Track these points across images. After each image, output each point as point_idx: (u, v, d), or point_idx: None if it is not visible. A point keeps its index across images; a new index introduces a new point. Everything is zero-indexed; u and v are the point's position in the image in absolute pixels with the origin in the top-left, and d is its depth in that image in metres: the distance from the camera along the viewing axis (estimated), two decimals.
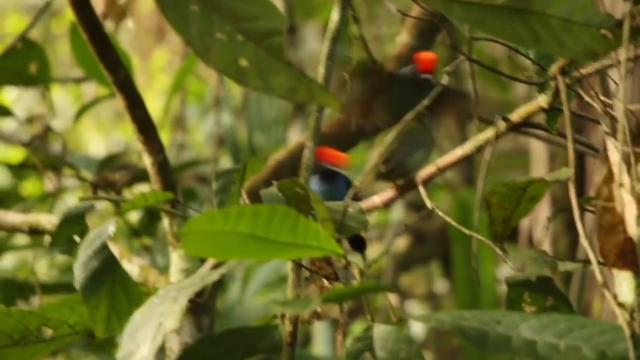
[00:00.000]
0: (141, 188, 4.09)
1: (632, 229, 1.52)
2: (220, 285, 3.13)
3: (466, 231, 1.90)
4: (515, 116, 1.94)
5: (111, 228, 1.83)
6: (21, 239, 4.26)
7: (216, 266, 2.15)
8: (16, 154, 4.92)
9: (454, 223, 1.94)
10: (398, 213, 5.46)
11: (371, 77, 2.37)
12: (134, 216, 3.93)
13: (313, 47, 6.14)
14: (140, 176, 3.77)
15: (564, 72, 1.74)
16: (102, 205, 3.65)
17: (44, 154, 3.91)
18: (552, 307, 1.75)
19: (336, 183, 2.21)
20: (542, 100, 1.89)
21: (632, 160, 1.55)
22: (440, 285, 6.22)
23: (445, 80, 1.98)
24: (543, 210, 4.16)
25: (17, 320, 1.88)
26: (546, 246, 4.02)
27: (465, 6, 1.57)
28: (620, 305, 1.43)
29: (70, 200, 4.37)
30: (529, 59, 1.94)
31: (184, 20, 1.42)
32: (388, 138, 1.77)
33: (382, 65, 2.44)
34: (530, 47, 1.91)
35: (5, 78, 3.66)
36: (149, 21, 6.57)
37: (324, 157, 2.30)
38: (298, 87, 1.43)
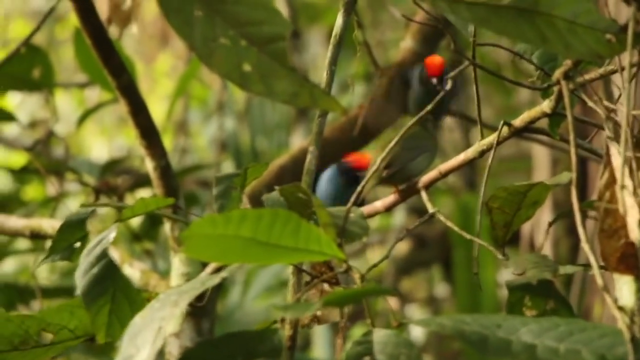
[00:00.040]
0: (143, 193, 4.10)
1: (633, 234, 1.52)
2: (220, 289, 3.13)
3: (467, 236, 1.90)
4: (518, 121, 1.94)
5: (112, 235, 1.83)
6: (22, 244, 4.26)
7: (217, 270, 2.15)
8: (19, 159, 4.93)
9: (455, 228, 1.94)
10: (400, 217, 5.46)
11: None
12: (136, 220, 3.93)
13: (317, 52, 6.15)
14: (143, 181, 3.77)
15: (567, 77, 1.74)
16: (104, 209, 3.65)
17: (47, 159, 3.91)
18: (552, 310, 1.75)
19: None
20: (546, 105, 1.89)
21: (634, 165, 1.55)
22: (441, 290, 6.21)
23: (449, 85, 1.98)
24: (544, 214, 4.16)
25: (17, 325, 1.88)
26: (547, 250, 4.02)
27: (471, 6, 1.57)
28: (621, 309, 1.43)
29: (72, 205, 4.37)
30: (533, 64, 1.94)
31: (188, 25, 1.42)
32: (390, 143, 1.77)
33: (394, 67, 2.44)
34: (536, 47, 1.91)
35: (9, 83, 3.67)
36: (153, 26, 6.58)
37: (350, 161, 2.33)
38: (301, 92, 1.43)
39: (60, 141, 4.14)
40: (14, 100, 5.56)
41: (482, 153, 1.96)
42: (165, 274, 2.89)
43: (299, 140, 4.70)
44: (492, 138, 1.95)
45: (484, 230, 1.91)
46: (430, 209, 1.96)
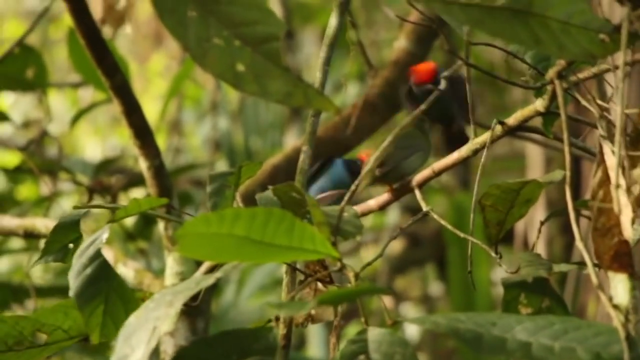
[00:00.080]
0: (137, 192, 4.09)
1: (627, 232, 1.52)
2: (215, 288, 3.13)
3: (461, 234, 1.90)
4: (512, 120, 1.94)
5: (105, 236, 1.83)
6: (16, 243, 4.26)
7: (211, 269, 2.15)
8: (12, 158, 4.92)
9: (449, 226, 1.94)
10: (394, 216, 5.47)
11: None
12: (130, 220, 3.93)
13: (310, 52, 6.15)
14: (136, 180, 3.77)
15: (561, 76, 1.75)
16: (98, 209, 3.65)
17: (40, 158, 3.91)
18: (547, 308, 1.75)
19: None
20: (539, 104, 1.90)
21: (627, 164, 1.56)
22: (436, 288, 6.22)
23: (443, 85, 1.99)
24: (538, 213, 4.17)
25: (11, 325, 1.88)
26: (541, 249, 4.03)
27: (465, 8, 1.57)
28: (615, 307, 1.43)
29: (66, 205, 4.37)
30: (526, 63, 1.95)
31: (182, 25, 1.42)
32: (384, 141, 1.77)
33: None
34: (530, 48, 1.92)
35: (2, 83, 3.66)
36: (147, 26, 6.58)
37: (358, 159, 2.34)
38: (295, 92, 1.43)
39: (54, 141, 4.14)
40: (7, 100, 5.56)
41: (476, 152, 1.96)
42: (159, 273, 2.89)
43: (292, 140, 4.70)
44: (485, 137, 1.95)
45: (478, 229, 1.92)
46: (424, 207, 1.97)
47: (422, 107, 1.87)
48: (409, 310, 6.26)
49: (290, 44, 5.05)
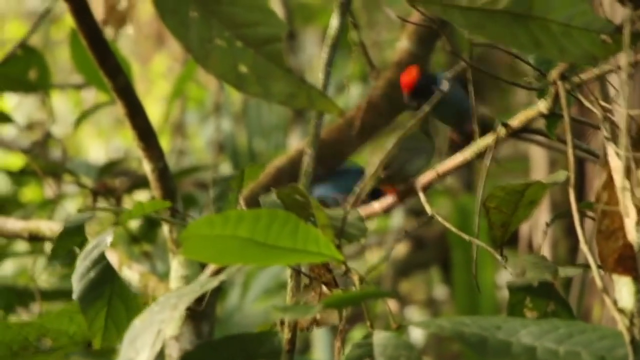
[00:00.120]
0: (141, 194, 4.09)
1: (631, 235, 1.52)
2: (219, 292, 3.13)
3: (466, 237, 1.90)
4: (515, 122, 1.94)
5: (109, 239, 1.83)
6: (21, 246, 4.26)
7: (216, 273, 2.15)
8: (16, 161, 4.93)
9: (453, 229, 1.94)
10: (398, 219, 5.46)
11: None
12: (134, 223, 3.93)
13: (312, 53, 6.15)
14: (140, 182, 3.77)
15: (563, 77, 1.74)
16: (102, 212, 3.65)
17: (44, 161, 3.91)
18: (553, 312, 1.75)
19: None
20: (542, 106, 1.89)
21: (633, 165, 1.55)
22: (440, 291, 6.21)
23: (445, 86, 1.98)
24: (542, 215, 4.16)
25: (16, 331, 1.88)
26: (546, 252, 4.02)
27: (466, 11, 1.57)
28: (620, 310, 1.43)
29: (70, 207, 4.37)
30: (529, 64, 1.94)
31: (184, 26, 1.42)
32: (388, 144, 1.77)
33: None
34: (531, 52, 1.91)
35: (5, 84, 3.66)
36: (149, 27, 6.57)
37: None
38: (298, 93, 1.43)
39: (58, 143, 4.14)
40: (10, 102, 5.56)
41: (480, 154, 1.96)
42: (164, 276, 2.89)
43: (296, 142, 4.70)
44: (489, 139, 1.95)
45: (483, 231, 1.91)
46: (429, 211, 1.96)
47: (426, 108, 1.87)
48: (414, 313, 6.25)
49: (292, 45, 5.04)
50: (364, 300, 1.51)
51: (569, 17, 1.55)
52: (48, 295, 3.81)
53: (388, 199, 2.16)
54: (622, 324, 1.38)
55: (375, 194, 2.22)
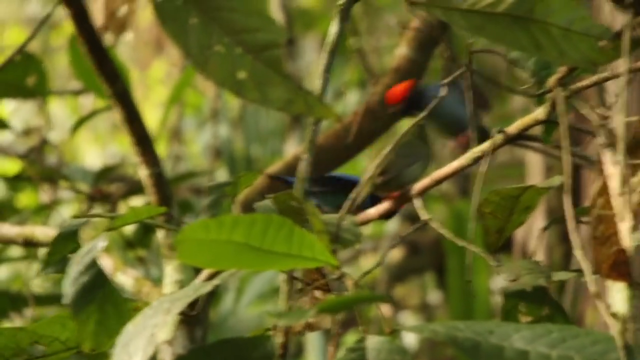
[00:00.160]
0: (137, 200, 4.09)
1: (626, 241, 1.52)
2: (213, 297, 3.13)
3: (461, 243, 1.90)
4: (512, 128, 1.94)
5: (101, 244, 1.82)
6: (15, 251, 4.26)
7: (210, 278, 2.14)
8: (13, 166, 4.93)
9: (448, 234, 1.94)
10: (393, 224, 5.46)
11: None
12: (129, 228, 3.93)
13: (311, 59, 6.15)
14: (136, 188, 3.77)
15: (561, 84, 1.74)
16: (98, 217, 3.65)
17: (40, 166, 3.91)
18: (547, 317, 1.75)
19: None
20: (540, 112, 1.89)
21: (628, 172, 1.55)
22: (434, 297, 6.22)
23: (444, 91, 1.98)
24: (537, 221, 4.17)
25: (8, 337, 1.87)
26: (540, 257, 4.02)
27: (467, 14, 1.57)
28: (614, 315, 1.43)
29: (66, 213, 4.37)
30: (527, 71, 1.95)
31: (183, 32, 1.42)
32: (385, 150, 1.77)
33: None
34: (531, 54, 1.92)
35: (3, 90, 3.66)
36: (148, 34, 6.57)
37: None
38: (296, 99, 1.43)
39: (54, 149, 4.14)
40: (8, 108, 5.56)
41: (476, 160, 1.96)
42: (158, 282, 2.89)
43: (293, 148, 4.70)
44: (486, 145, 1.95)
45: (477, 237, 1.91)
46: (424, 216, 1.96)
47: (422, 115, 1.87)
48: (408, 318, 6.25)
49: (290, 51, 5.05)
50: (357, 304, 1.51)
51: (569, 21, 1.56)
52: (42, 301, 3.81)
53: (384, 205, 2.16)
54: (614, 328, 1.38)
55: (372, 201, 2.22)
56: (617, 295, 1.50)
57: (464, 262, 1.90)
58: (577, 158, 2.04)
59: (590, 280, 1.44)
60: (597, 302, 1.40)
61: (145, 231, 3.86)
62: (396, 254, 5.80)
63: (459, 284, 4.80)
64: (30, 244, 3.07)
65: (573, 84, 1.82)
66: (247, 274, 4.52)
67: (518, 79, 2.04)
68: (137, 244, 3.91)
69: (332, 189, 2.39)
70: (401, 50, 3.31)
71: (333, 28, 1.94)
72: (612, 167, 1.60)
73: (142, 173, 2.67)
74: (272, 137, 5.30)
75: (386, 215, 2.20)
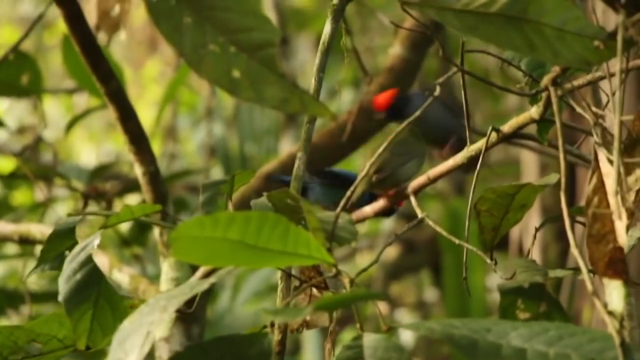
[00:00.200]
0: (132, 198, 4.09)
1: (622, 238, 1.52)
2: (210, 294, 3.13)
3: (456, 240, 1.90)
4: (507, 127, 1.94)
5: (96, 242, 1.82)
6: (11, 249, 4.25)
7: (207, 275, 2.15)
8: (7, 164, 4.92)
9: (444, 233, 1.94)
10: (389, 222, 5.47)
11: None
12: (125, 226, 3.93)
13: (305, 58, 6.16)
14: (132, 186, 3.77)
15: (555, 83, 1.75)
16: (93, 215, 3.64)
17: (35, 164, 3.91)
18: (545, 313, 1.75)
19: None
20: (534, 111, 1.90)
21: (623, 170, 1.56)
22: (430, 294, 6.22)
23: (437, 91, 1.98)
24: (533, 219, 4.17)
25: (5, 336, 1.87)
26: (536, 256, 4.03)
27: (460, 14, 1.57)
28: (610, 313, 1.43)
29: (61, 210, 4.37)
30: (521, 70, 1.95)
31: (178, 31, 1.42)
32: (380, 148, 1.77)
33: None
34: (525, 54, 1.92)
35: None
36: (142, 33, 6.58)
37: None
38: (291, 98, 1.43)
39: (49, 147, 4.14)
40: (2, 106, 5.56)
41: (471, 159, 1.96)
42: (154, 279, 2.89)
43: (287, 146, 4.71)
44: (480, 144, 1.95)
45: (473, 235, 1.91)
46: (419, 214, 1.96)
47: (416, 114, 1.87)
48: (404, 316, 6.25)
49: (284, 50, 5.05)
50: (354, 302, 1.51)
51: (563, 21, 1.56)
52: (38, 298, 3.82)
53: (380, 203, 2.17)
54: (612, 326, 1.39)
55: (371, 198, 2.23)
56: (613, 293, 1.50)
57: (460, 260, 1.91)
58: (572, 157, 2.04)
59: (587, 278, 1.44)
60: (595, 300, 1.41)
61: (141, 229, 3.86)
62: (392, 252, 5.81)
63: (455, 281, 4.81)
64: (25, 242, 3.07)
65: (567, 82, 1.82)
66: (244, 271, 4.52)
67: (512, 77, 2.04)
68: (133, 242, 3.91)
69: (331, 181, 2.40)
70: (395, 50, 3.32)
71: (327, 27, 1.94)
72: (608, 166, 1.60)
73: (138, 171, 2.67)
74: (267, 135, 5.30)
75: (386, 213, 2.21)
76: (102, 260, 2.81)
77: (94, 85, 2.62)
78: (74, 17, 2.44)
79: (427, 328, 1.39)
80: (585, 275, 1.46)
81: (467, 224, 1.94)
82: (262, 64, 1.42)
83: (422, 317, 6.00)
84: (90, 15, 3.18)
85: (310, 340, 4.73)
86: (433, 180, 2.04)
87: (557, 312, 1.75)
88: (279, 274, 1.74)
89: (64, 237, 1.93)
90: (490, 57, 2.01)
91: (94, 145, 7.24)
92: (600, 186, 1.59)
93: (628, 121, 1.64)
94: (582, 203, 1.71)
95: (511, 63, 1.96)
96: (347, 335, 4.87)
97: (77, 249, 1.84)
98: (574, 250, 1.48)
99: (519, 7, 1.56)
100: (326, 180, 2.39)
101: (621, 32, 1.53)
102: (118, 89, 2.57)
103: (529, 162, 4.61)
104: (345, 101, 5.26)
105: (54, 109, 6.65)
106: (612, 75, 1.78)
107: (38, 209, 4.03)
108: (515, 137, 1.98)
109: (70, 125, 4.08)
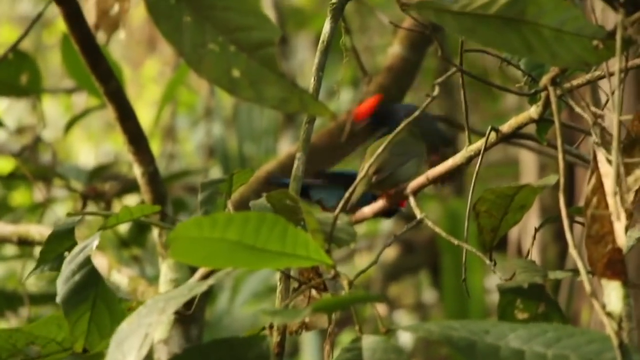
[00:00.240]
0: (131, 198, 4.09)
1: (620, 239, 1.52)
2: (209, 296, 3.12)
3: (455, 241, 1.90)
4: (506, 127, 1.94)
5: (95, 243, 1.82)
6: (10, 250, 4.25)
7: (205, 277, 2.14)
8: (6, 164, 4.92)
9: (443, 233, 1.94)
10: (388, 223, 5.47)
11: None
12: (124, 227, 3.93)
13: (304, 57, 6.15)
14: (131, 186, 3.76)
15: (554, 83, 1.74)
16: (92, 215, 3.64)
17: (34, 165, 3.91)
18: (543, 314, 1.75)
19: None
20: (533, 111, 1.89)
21: (622, 170, 1.55)
22: (429, 295, 6.22)
23: (436, 91, 1.98)
24: (532, 220, 4.17)
25: (4, 339, 1.87)
26: (535, 256, 4.02)
27: (458, 16, 1.57)
28: (609, 314, 1.43)
29: (60, 211, 4.36)
30: (520, 70, 1.95)
31: (177, 31, 1.42)
32: (379, 148, 1.77)
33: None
34: (523, 56, 1.92)
35: None
36: (141, 32, 6.57)
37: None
38: (290, 97, 1.43)
39: (48, 147, 4.13)
40: (1, 106, 5.55)
41: (470, 159, 1.96)
42: (153, 280, 2.89)
43: (286, 146, 4.71)
44: (479, 144, 1.95)
45: (472, 236, 1.91)
46: (418, 214, 1.96)
47: (416, 114, 1.86)
48: (403, 317, 6.25)
49: (283, 49, 5.05)
50: (353, 304, 1.51)
51: (561, 22, 1.55)
52: (37, 300, 3.81)
53: (379, 204, 2.16)
54: (610, 327, 1.38)
55: (370, 199, 2.23)
56: (612, 294, 1.50)
57: (459, 261, 1.90)
58: (571, 157, 2.04)
59: (585, 279, 1.44)
60: (593, 301, 1.40)
61: (140, 230, 3.86)
62: (391, 253, 5.81)
63: (454, 282, 4.81)
64: (24, 243, 3.07)
65: (566, 82, 1.82)
66: (242, 273, 4.52)
67: (511, 77, 2.04)
68: (132, 243, 3.91)
69: (335, 182, 2.40)
70: (394, 49, 3.31)
71: (326, 27, 1.94)
72: (607, 166, 1.60)
73: (136, 171, 2.67)
74: (266, 135, 5.30)
75: (387, 214, 2.21)
76: (101, 261, 2.81)
77: (93, 85, 2.62)
78: (73, 16, 2.44)
79: (426, 330, 1.38)
80: (583, 276, 1.45)
81: (466, 224, 1.94)
82: (262, 63, 1.42)
83: (421, 318, 6.00)
84: (90, 14, 3.17)
85: (309, 342, 4.73)
86: (432, 181, 2.04)
87: (555, 313, 1.75)
88: (277, 275, 1.73)
89: (63, 238, 1.93)
90: (489, 57, 2.00)
91: (93, 145, 7.24)
92: (599, 186, 1.59)
93: (627, 121, 1.64)
94: (581, 203, 1.71)
95: (510, 62, 1.96)
96: (346, 337, 4.87)
97: (76, 250, 1.84)
98: (572, 251, 1.48)
99: (517, 9, 1.56)
100: (328, 181, 2.39)
101: (620, 32, 1.53)
102: (117, 89, 2.57)
103: (528, 162, 4.61)
104: (344, 101, 5.25)
105: (53, 108, 6.64)
106: (611, 74, 1.78)
107: (37, 210, 4.03)
108: (514, 137, 1.98)
109: (69, 125, 4.08)
